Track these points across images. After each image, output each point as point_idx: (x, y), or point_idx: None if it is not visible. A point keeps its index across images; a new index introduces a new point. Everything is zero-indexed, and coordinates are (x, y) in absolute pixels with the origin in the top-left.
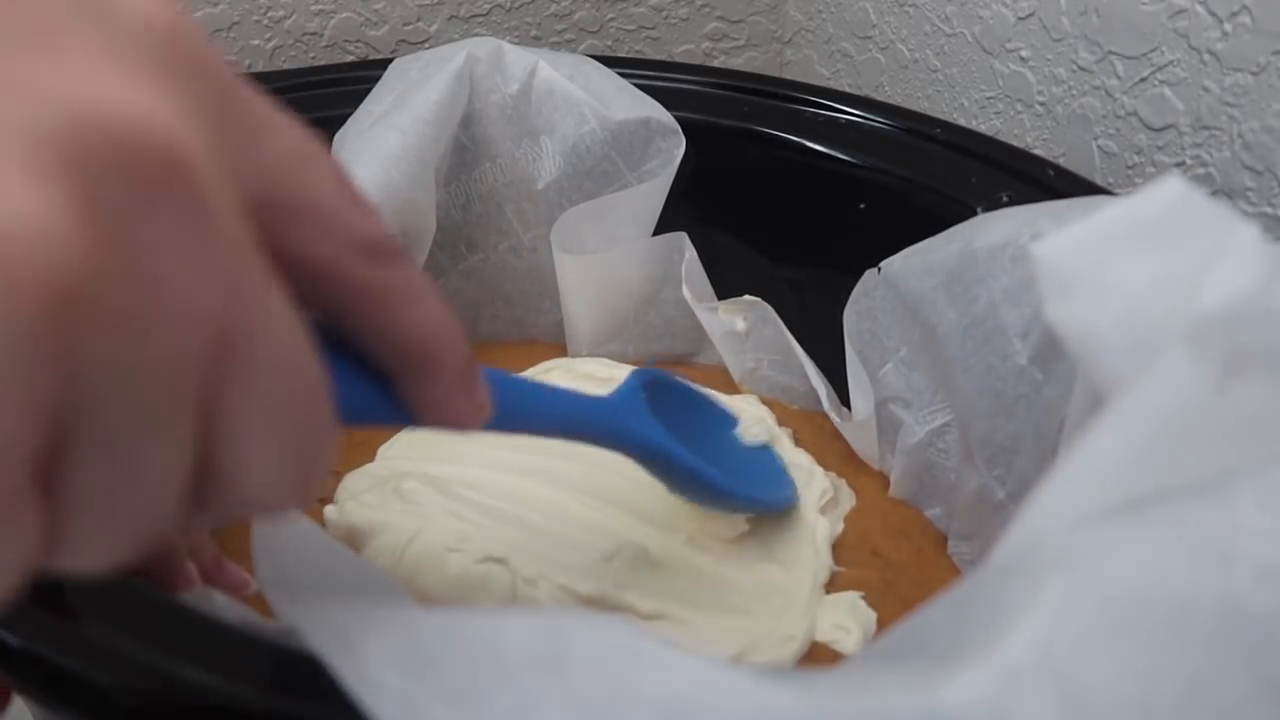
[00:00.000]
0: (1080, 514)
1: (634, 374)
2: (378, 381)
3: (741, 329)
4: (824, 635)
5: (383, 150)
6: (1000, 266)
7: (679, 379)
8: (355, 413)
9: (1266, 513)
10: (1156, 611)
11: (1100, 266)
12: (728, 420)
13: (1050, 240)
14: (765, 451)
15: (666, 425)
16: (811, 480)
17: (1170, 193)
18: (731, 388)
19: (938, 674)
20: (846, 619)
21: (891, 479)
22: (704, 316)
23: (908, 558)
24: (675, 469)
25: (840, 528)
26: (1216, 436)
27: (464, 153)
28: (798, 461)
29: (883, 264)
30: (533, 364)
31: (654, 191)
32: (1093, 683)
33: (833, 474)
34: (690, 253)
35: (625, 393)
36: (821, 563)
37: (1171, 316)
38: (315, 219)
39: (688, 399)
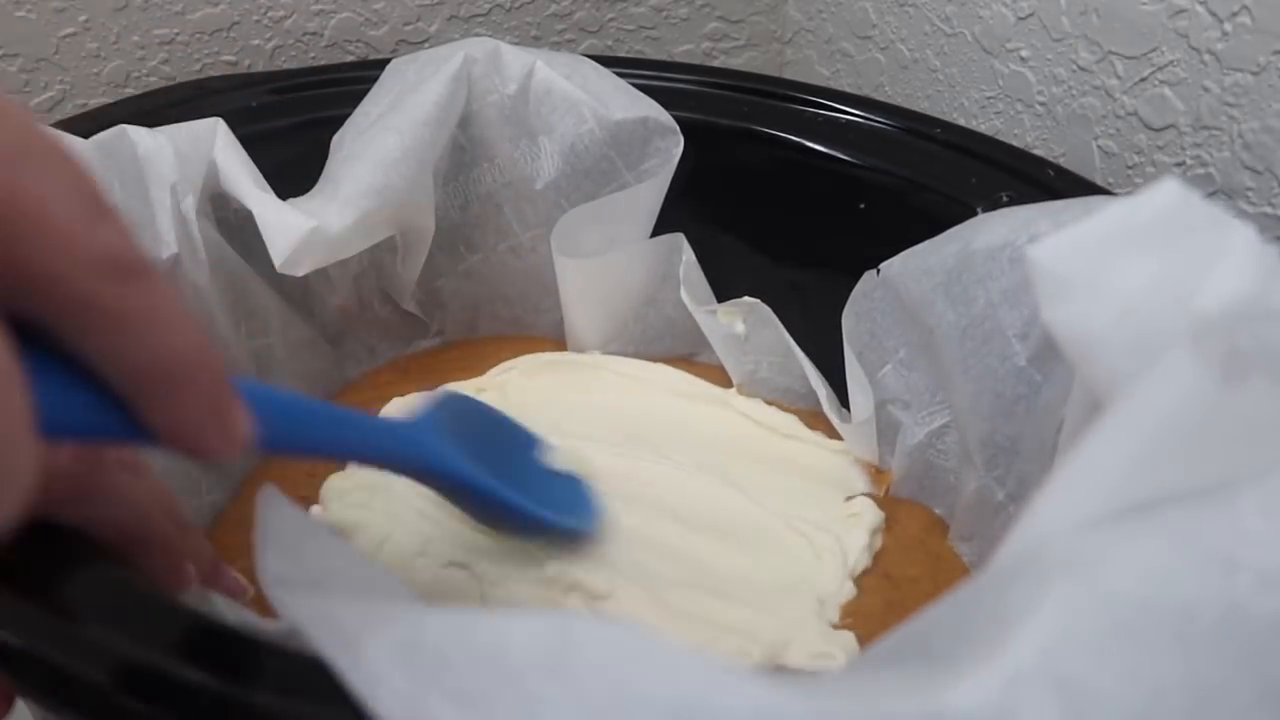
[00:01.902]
0: (1083, 517)
1: (434, 399)
2: (107, 397)
3: (740, 332)
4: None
5: (381, 153)
6: (998, 268)
7: (478, 401)
8: (73, 427)
9: (1269, 519)
10: (1160, 617)
11: (1096, 269)
12: (530, 441)
13: (1046, 243)
14: (569, 478)
15: (468, 449)
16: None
17: (1167, 195)
18: (728, 385)
19: (941, 677)
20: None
21: (892, 480)
22: (702, 319)
23: (922, 571)
24: (477, 496)
25: (866, 561)
26: (1217, 439)
27: (462, 153)
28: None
29: (881, 266)
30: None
31: (653, 191)
32: (1096, 688)
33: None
34: (688, 255)
35: (427, 419)
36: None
37: (1169, 319)
38: (40, 227)
39: (489, 421)
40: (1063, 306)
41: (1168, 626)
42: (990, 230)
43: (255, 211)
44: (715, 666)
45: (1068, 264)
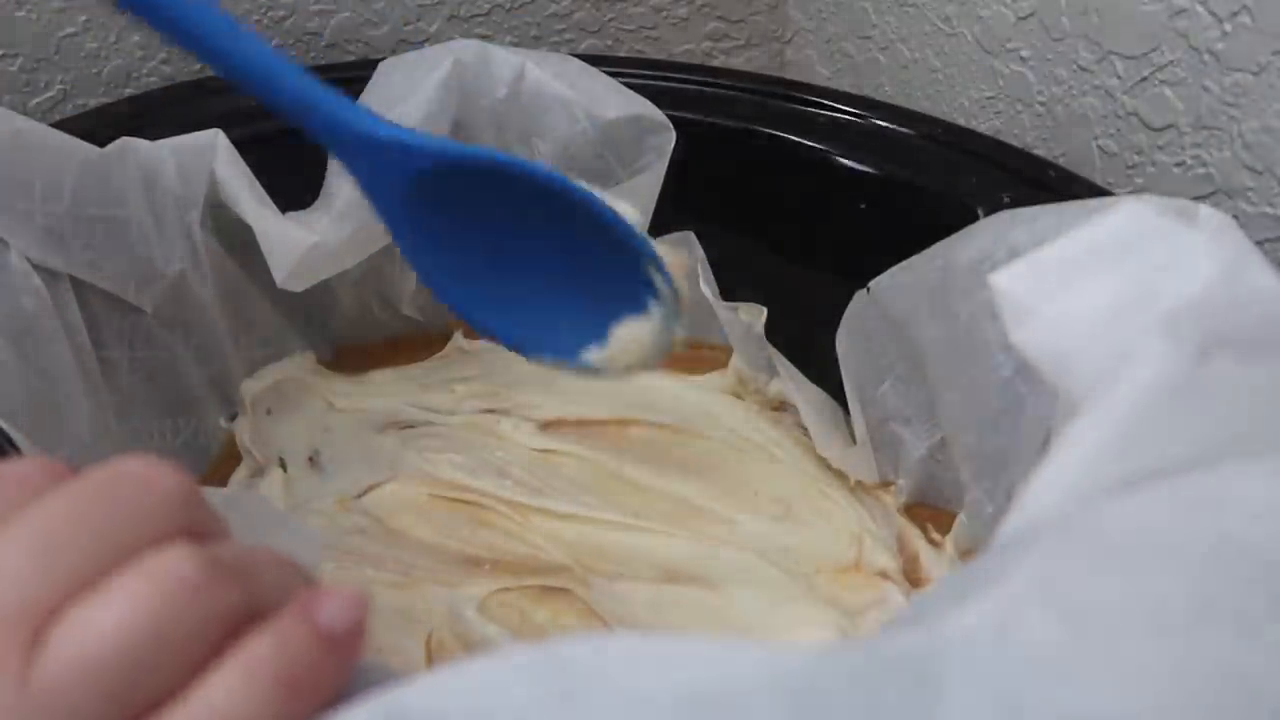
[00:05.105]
0: (1073, 495)
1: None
2: None
3: (760, 330)
4: None
5: None
6: (979, 281)
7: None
8: None
9: (1254, 478)
10: (1151, 544)
11: (1059, 290)
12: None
13: (1008, 269)
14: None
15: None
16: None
17: (1124, 214)
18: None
19: (941, 613)
20: None
21: (902, 498)
22: (723, 314)
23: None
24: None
25: None
26: (1193, 419)
27: None
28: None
29: (871, 284)
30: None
31: (647, 186)
32: (1095, 601)
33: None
34: (700, 252)
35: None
36: None
37: (1136, 326)
38: None
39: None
40: (1030, 329)
41: (1159, 551)
42: (970, 243)
43: (256, 228)
44: (713, 646)
45: (1031, 288)
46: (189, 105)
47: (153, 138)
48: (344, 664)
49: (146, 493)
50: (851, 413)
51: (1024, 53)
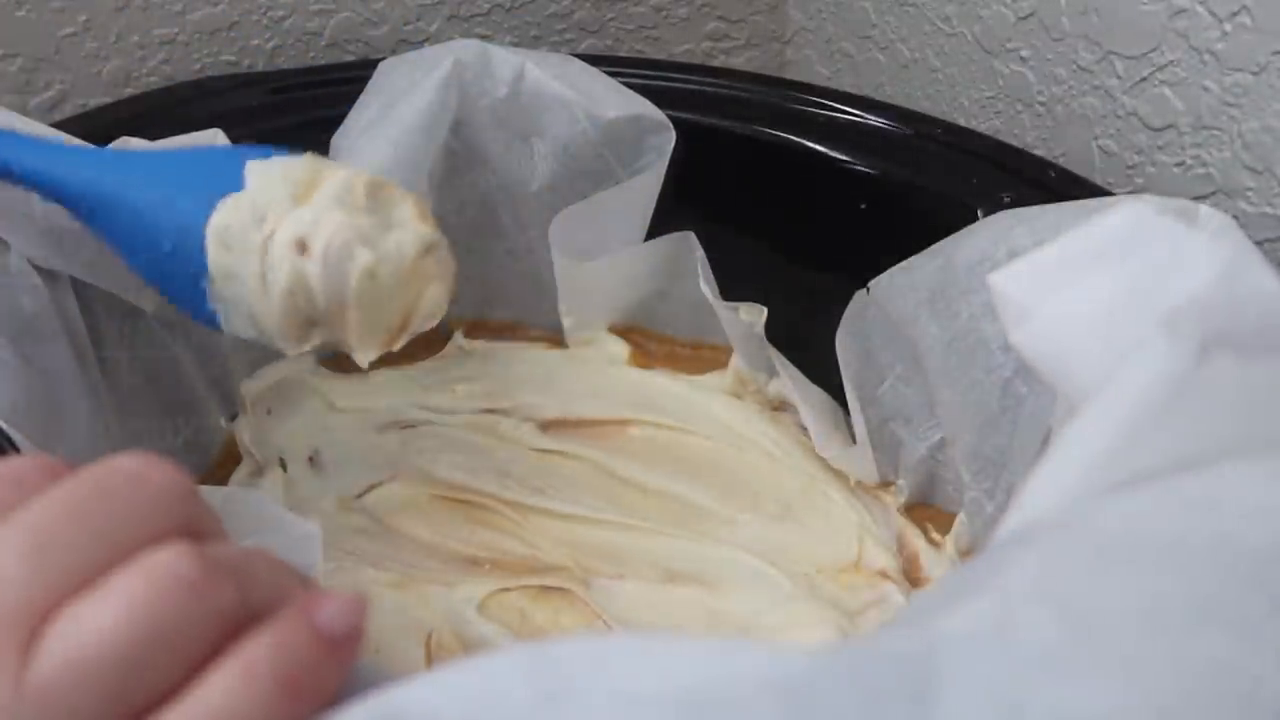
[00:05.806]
0: (1072, 495)
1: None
2: None
3: (761, 330)
4: None
5: (374, 163)
6: (979, 281)
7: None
8: None
9: (1253, 478)
10: (1148, 544)
11: (1058, 290)
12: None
13: (1007, 270)
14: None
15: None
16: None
17: (1123, 214)
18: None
19: (940, 613)
20: None
21: (902, 498)
22: (724, 314)
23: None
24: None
25: None
26: (1195, 419)
27: (455, 158)
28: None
29: (870, 284)
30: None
31: (647, 185)
32: (1092, 603)
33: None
34: (701, 252)
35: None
36: None
37: (1135, 326)
38: None
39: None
40: (1029, 329)
41: (1157, 551)
42: (970, 243)
43: None
44: (712, 646)
45: (1030, 288)
46: (189, 105)
47: (153, 138)
48: (342, 665)
49: (143, 490)
50: (851, 413)
51: (1024, 53)
